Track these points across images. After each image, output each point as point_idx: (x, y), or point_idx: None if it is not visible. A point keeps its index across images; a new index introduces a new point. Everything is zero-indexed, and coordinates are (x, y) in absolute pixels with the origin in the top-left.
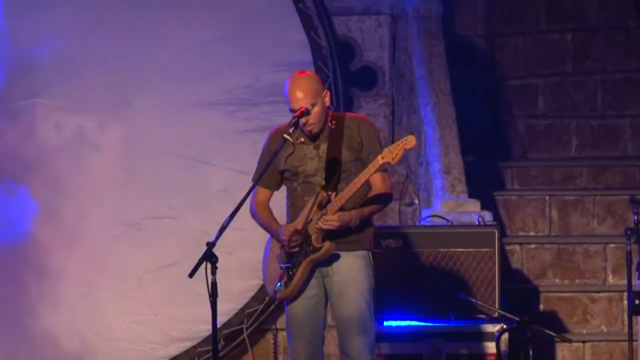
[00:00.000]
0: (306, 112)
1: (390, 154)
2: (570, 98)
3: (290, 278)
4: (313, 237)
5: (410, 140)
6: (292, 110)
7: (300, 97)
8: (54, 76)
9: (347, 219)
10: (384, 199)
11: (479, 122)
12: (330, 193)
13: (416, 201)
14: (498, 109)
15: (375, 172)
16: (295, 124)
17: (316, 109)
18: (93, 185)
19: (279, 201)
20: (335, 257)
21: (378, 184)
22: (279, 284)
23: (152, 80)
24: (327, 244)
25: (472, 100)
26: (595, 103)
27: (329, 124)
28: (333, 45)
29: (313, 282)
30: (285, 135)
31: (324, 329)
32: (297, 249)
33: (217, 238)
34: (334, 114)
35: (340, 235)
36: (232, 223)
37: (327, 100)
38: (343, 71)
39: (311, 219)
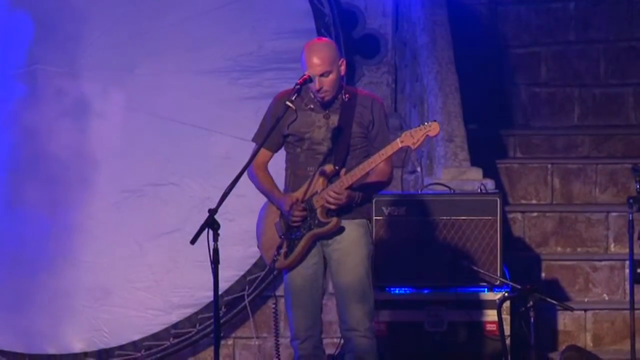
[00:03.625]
0: (309, 80)
1: (410, 138)
2: (573, 67)
3: (290, 249)
4: (318, 211)
5: (434, 128)
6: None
7: (317, 63)
8: (56, 43)
9: (353, 196)
10: (384, 184)
11: (481, 90)
12: (337, 167)
13: (418, 169)
14: (501, 77)
15: (391, 154)
16: (298, 91)
17: (331, 77)
18: (94, 151)
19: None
20: (340, 231)
21: (384, 166)
22: (277, 253)
23: (154, 47)
24: (334, 219)
25: (475, 69)
26: (598, 72)
27: (343, 96)
28: (336, 13)
29: (313, 250)
30: (288, 103)
31: (322, 297)
32: (300, 222)
33: (219, 205)
34: (346, 88)
35: (342, 209)
36: (234, 190)
37: (343, 69)
38: (346, 39)
39: (316, 192)
